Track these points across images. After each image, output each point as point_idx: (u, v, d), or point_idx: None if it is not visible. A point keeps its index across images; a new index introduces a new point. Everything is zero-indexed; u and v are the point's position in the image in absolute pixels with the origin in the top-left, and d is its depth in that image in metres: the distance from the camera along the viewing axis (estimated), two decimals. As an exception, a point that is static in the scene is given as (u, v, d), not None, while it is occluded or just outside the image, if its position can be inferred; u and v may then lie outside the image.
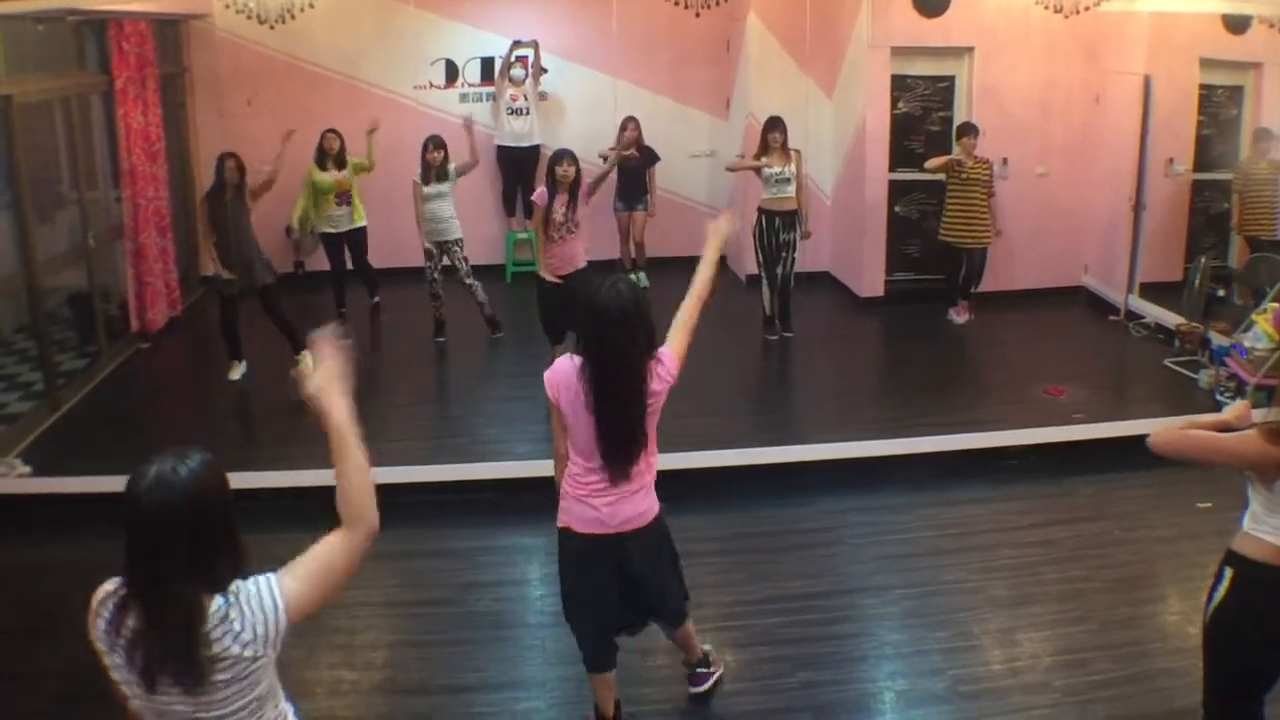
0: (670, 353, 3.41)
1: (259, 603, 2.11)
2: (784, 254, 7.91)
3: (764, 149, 7.84)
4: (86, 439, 6.50)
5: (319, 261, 9.20)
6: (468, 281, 7.97)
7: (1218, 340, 7.22)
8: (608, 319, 3.26)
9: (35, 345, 6.93)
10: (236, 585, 2.10)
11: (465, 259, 7.98)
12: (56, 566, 5.19)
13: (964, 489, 5.88)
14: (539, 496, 5.63)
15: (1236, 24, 8.22)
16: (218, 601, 2.07)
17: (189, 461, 2.10)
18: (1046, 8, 8.64)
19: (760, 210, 7.91)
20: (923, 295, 8.98)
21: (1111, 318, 8.64)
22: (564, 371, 3.37)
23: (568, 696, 4.11)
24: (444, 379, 7.93)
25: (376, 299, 8.87)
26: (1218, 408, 6.63)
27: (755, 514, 5.64)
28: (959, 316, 8.53)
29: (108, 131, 7.95)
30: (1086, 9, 8.60)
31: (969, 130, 8.26)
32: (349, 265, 8.65)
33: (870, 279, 9.01)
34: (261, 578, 2.14)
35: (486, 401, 7.27)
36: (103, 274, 7.79)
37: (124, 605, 2.08)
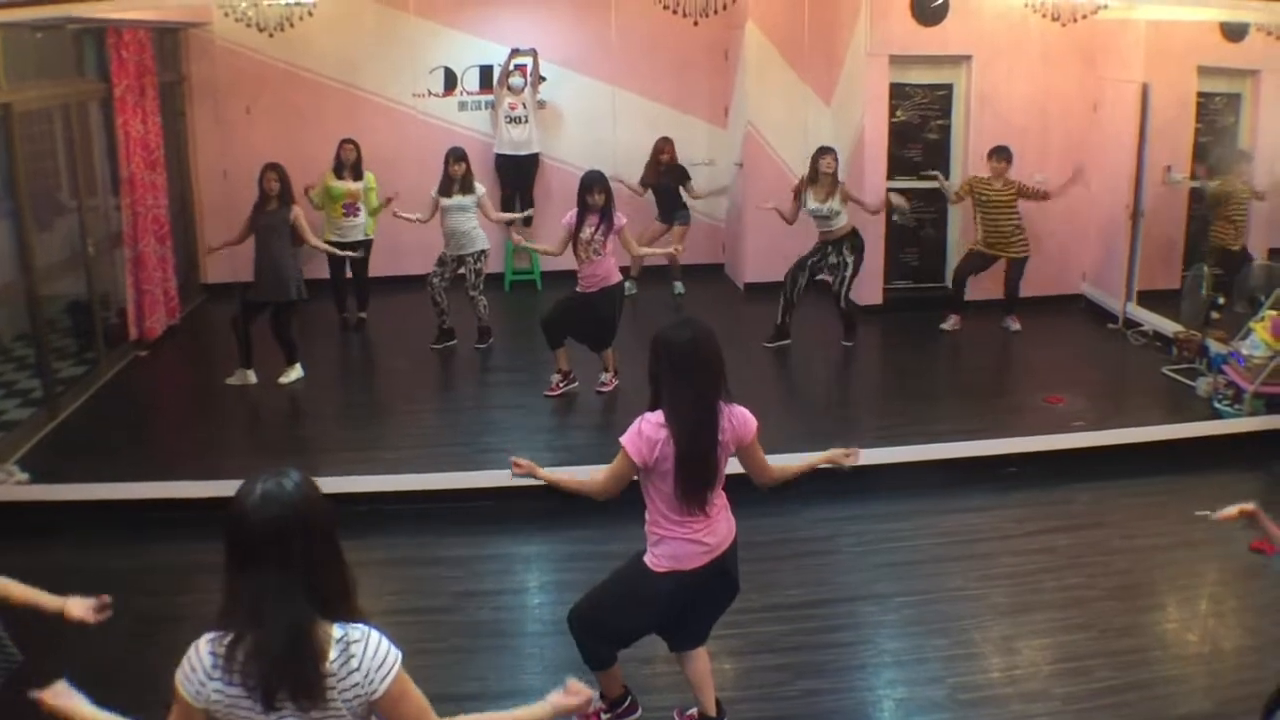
0: (746, 411, 3.53)
1: (376, 658, 2.10)
2: (840, 272, 7.94)
3: (814, 177, 7.82)
4: (84, 446, 6.49)
5: (317, 269, 9.20)
6: (472, 294, 7.97)
7: (1216, 348, 7.22)
8: (679, 352, 3.39)
9: (34, 352, 6.92)
10: (363, 628, 2.12)
11: (479, 271, 7.95)
12: (54, 573, 5.15)
13: (963, 497, 5.88)
14: (538, 505, 5.67)
15: (1234, 31, 8.24)
16: (336, 630, 2.08)
17: (292, 476, 2.12)
18: (1044, 16, 8.64)
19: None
20: (921, 303, 8.99)
21: (1110, 325, 8.65)
22: (649, 433, 3.38)
23: (567, 705, 4.10)
24: (442, 387, 7.92)
25: (363, 314, 8.83)
26: (1216, 416, 6.66)
27: (754, 522, 5.58)
28: (948, 324, 8.56)
29: (107, 139, 7.94)
30: (1084, 17, 8.60)
31: (996, 153, 8.25)
32: (348, 274, 8.64)
33: (868, 287, 9.00)
34: (388, 641, 2.14)
35: (485, 409, 7.27)
36: (102, 282, 7.78)
37: (235, 643, 2.05)
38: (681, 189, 9.43)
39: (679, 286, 9.33)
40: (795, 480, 3.72)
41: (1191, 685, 4.18)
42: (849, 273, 7.95)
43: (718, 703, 3.86)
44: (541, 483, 3.68)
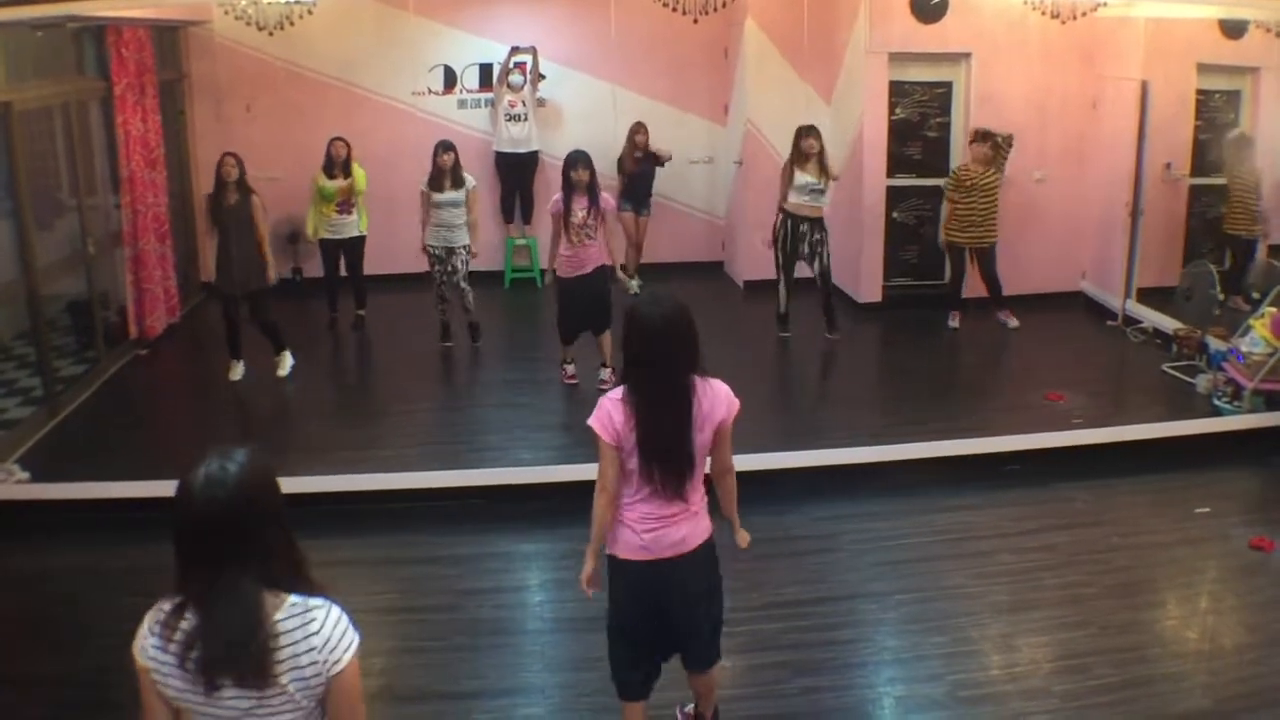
0: (727, 388, 3.30)
1: (339, 628, 2.09)
2: (817, 250, 7.92)
3: (799, 158, 7.83)
4: (85, 445, 6.50)
5: (314, 268, 9.19)
6: (462, 285, 7.98)
7: (1215, 345, 7.23)
8: (649, 328, 3.20)
9: (34, 351, 6.93)
10: (324, 600, 2.10)
11: (466, 263, 7.96)
12: (55, 572, 5.19)
13: (962, 494, 5.88)
14: (538, 503, 5.68)
15: (1233, 29, 8.25)
16: (293, 597, 2.07)
17: (236, 458, 2.10)
18: (1044, 13, 8.65)
19: (785, 211, 7.92)
20: (921, 301, 8.99)
21: (1109, 323, 8.65)
22: (610, 408, 3.23)
23: (567, 703, 4.11)
24: (442, 385, 7.92)
25: (362, 311, 8.78)
26: (1215, 413, 6.66)
27: (752, 520, 5.53)
28: (954, 321, 8.56)
29: (107, 138, 7.95)
30: (1084, 14, 8.61)
31: (976, 137, 8.27)
32: (344, 272, 8.63)
33: (868, 285, 9.01)
34: (348, 619, 2.12)
35: (485, 408, 7.27)
36: (102, 280, 7.79)
37: (177, 610, 2.05)
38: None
39: (635, 284, 9.25)
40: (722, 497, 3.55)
41: (1191, 683, 4.19)
42: (827, 249, 7.94)
43: (715, 711, 3.84)
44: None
